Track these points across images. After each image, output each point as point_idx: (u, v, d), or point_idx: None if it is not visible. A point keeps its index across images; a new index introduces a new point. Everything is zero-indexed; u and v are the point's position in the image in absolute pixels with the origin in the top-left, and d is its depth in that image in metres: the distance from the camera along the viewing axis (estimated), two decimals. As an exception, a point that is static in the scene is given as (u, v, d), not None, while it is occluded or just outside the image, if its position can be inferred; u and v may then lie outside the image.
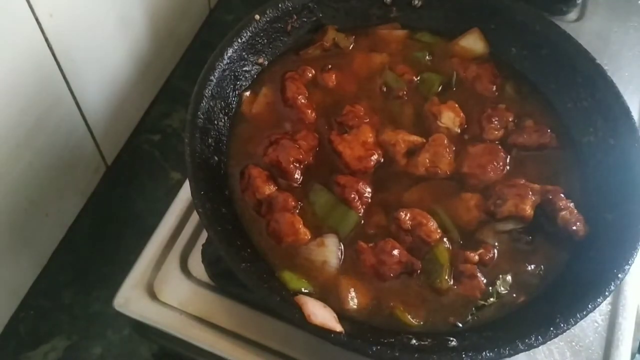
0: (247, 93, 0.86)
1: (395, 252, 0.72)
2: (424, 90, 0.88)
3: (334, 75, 0.88)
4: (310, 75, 0.87)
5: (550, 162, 0.83)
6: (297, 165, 0.78)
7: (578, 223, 0.75)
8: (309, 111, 0.84)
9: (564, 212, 0.76)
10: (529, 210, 0.76)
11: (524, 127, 0.85)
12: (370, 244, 0.74)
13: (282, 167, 0.78)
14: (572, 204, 0.76)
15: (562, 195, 0.77)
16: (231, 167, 0.80)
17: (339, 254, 0.74)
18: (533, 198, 0.76)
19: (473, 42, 0.92)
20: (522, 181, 0.78)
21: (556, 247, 0.76)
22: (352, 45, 0.92)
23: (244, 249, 0.71)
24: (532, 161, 0.83)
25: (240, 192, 0.78)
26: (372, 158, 0.80)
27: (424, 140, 0.82)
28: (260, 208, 0.76)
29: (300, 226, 0.74)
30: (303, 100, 0.84)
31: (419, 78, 0.89)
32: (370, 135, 0.81)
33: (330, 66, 0.89)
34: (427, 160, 0.81)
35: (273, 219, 0.75)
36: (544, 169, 0.82)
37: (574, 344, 0.80)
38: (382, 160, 0.81)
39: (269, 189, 0.77)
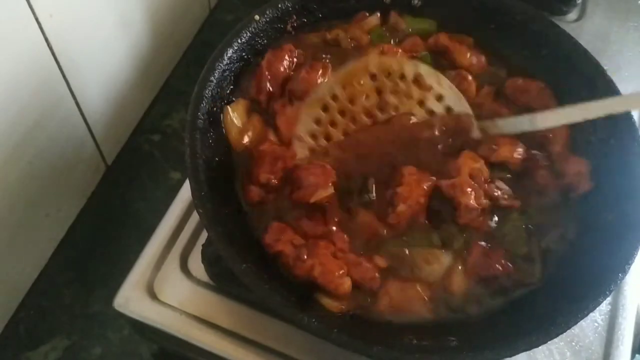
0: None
1: None
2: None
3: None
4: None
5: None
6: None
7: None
8: None
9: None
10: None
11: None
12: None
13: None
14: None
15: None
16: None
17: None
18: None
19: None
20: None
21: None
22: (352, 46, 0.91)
23: (244, 250, 0.71)
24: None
25: (271, 245, 0.72)
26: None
27: None
28: (298, 256, 0.71)
29: (346, 270, 0.70)
30: None
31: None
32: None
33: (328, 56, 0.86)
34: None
35: (319, 262, 0.70)
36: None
37: (574, 343, 0.80)
38: None
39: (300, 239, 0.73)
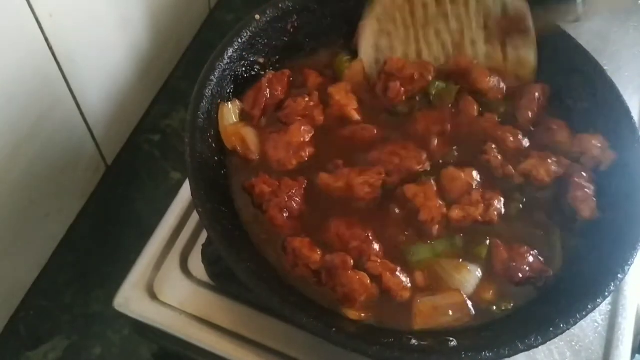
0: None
1: None
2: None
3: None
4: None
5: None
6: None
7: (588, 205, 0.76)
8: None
9: (578, 192, 0.77)
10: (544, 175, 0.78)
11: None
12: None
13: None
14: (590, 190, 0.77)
15: (584, 175, 0.78)
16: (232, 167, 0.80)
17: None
18: (553, 167, 0.78)
19: None
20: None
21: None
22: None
23: (244, 249, 0.71)
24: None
25: (290, 269, 0.72)
26: (292, 162, 0.78)
27: None
28: (320, 279, 0.71)
29: (369, 282, 0.70)
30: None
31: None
32: (299, 135, 0.79)
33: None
34: None
35: (339, 283, 0.69)
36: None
37: (573, 343, 0.80)
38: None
39: (318, 254, 0.71)
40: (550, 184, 0.78)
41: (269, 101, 0.83)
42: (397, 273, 0.71)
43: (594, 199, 0.77)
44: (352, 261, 0.70)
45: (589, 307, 0.66)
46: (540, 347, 0.66)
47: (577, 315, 0.66)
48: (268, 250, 0.73)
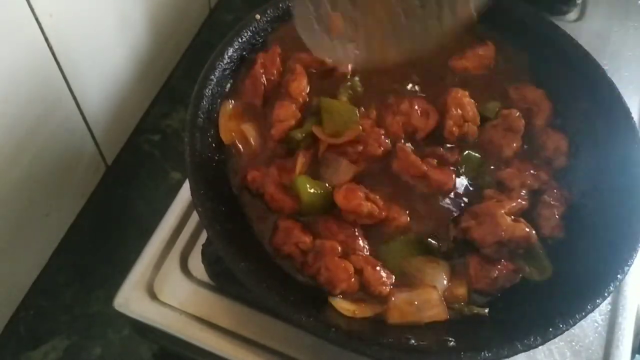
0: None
1: None
2: None
3: None
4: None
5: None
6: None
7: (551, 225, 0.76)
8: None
9: (544, 210, 0.76)
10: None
11: None
12: None
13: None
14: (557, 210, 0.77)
15: (556, 193, 0.77)
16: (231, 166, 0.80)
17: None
18: (528, 181, 0.77)
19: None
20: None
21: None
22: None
23: (243, 248, 0.71)
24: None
25: (279, 248, 0.73)
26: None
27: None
28: (305, 260, 0.73)
29: (352, 272, 0.71)
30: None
31: None
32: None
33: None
34: None
35: (325, 267, 0.71)
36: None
37: (574, 343, 0.80)
38: None
39: (309, 237, 0.73)
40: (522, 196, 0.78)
41: (267, 86, 0.82)
42: (378, 268, 0.71)
43: (557, 218, 0.76)
44: (340, 249, 0.71)
45: (589, 307, 0.66)
46: (540, 347, 0.66)
47: (577, 316, 0.66)
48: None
